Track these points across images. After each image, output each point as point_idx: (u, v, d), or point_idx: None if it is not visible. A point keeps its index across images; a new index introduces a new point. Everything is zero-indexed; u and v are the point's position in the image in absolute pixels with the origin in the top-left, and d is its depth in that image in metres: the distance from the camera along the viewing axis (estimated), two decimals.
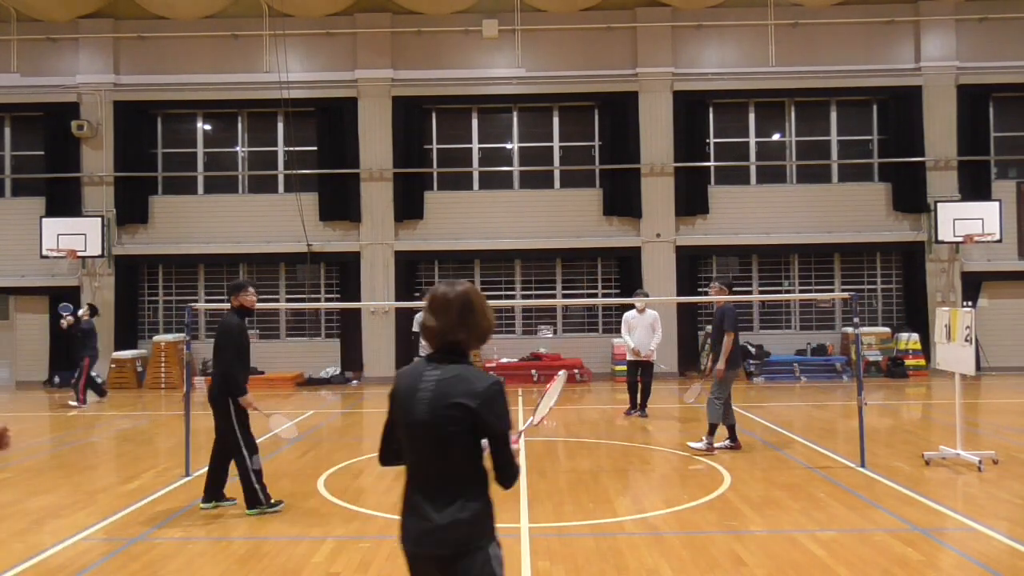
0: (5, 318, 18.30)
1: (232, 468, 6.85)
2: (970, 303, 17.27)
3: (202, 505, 6.96)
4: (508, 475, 2.79)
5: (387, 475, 8.37)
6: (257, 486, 6.75)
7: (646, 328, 11.85)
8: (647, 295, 12.95)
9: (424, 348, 10.86)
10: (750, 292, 18.15)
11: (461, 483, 2.77)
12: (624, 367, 16.85)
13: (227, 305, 7.07)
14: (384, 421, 2.94)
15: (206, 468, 7.07)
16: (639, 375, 12.03)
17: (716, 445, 9.22)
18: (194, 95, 18.07)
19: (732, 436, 9.29)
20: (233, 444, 6.73)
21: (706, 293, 15.95)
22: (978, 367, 16.59)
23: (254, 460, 6.75)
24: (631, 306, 12.19)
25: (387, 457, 2.98)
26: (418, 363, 2.90)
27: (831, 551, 5.61)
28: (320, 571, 5.32)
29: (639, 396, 12.08)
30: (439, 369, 2.80)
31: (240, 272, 18.24)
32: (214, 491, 6.99)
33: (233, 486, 6.90)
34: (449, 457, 2.75)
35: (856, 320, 8.70)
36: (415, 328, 11.72)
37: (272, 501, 6.85)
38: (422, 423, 2.75)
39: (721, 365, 9.15)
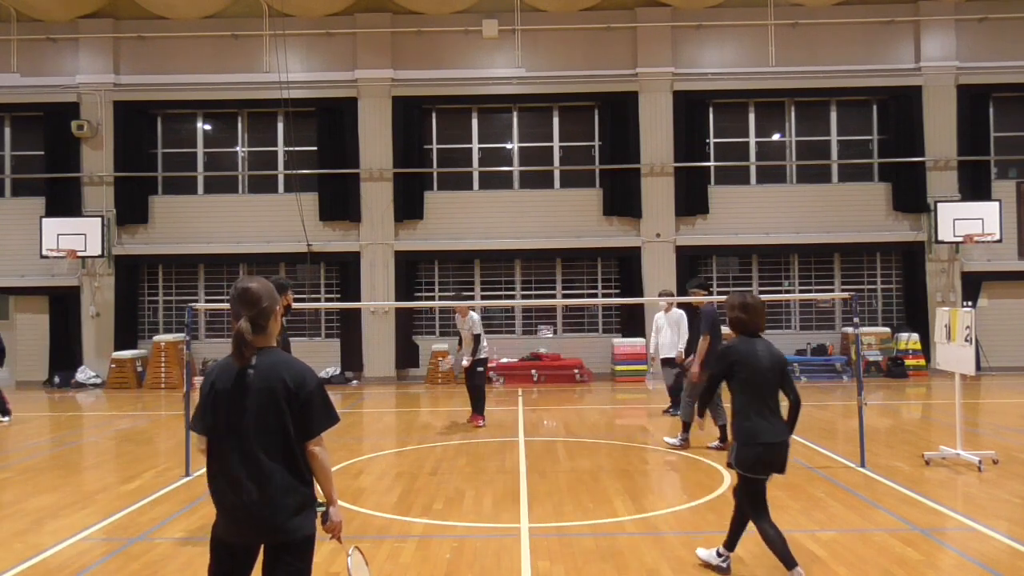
0: (5, 318, 18.29)
1: None
2: (970, 303, 17.27)
3: None
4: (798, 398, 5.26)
5: (387, 475, 8.38)
6: None
7: (673, 327, 11.58)
8: (672, 294, 12.70)
9: (470, 351, 11.15)
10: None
11: (778, 401, 5.13)
12: (623, 367, 17.00)
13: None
14: (714, 375, 5.34)
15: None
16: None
17: (709, 445, 9.36)
18: (194, 95, 18.07)
19: (723, 436, 9.32)
20: None
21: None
22: (978, 367, 16.58)
23: None
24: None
25: (709, 395, 5.48)
26: (744, 339, 5.15)
27: (831, 551, 5.62)
28: (320, 571, 5.31)
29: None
30: (763, 342, 5.14)
31: (240, 272, 18.22)
32: None
33: None
34: (777, 389, 5.11)
35: (856, 320, 8.69)
36: (479, 331, 11.35)
37: None
38: (767, 368, 5.05)
39: (695, 368, 9.60)
